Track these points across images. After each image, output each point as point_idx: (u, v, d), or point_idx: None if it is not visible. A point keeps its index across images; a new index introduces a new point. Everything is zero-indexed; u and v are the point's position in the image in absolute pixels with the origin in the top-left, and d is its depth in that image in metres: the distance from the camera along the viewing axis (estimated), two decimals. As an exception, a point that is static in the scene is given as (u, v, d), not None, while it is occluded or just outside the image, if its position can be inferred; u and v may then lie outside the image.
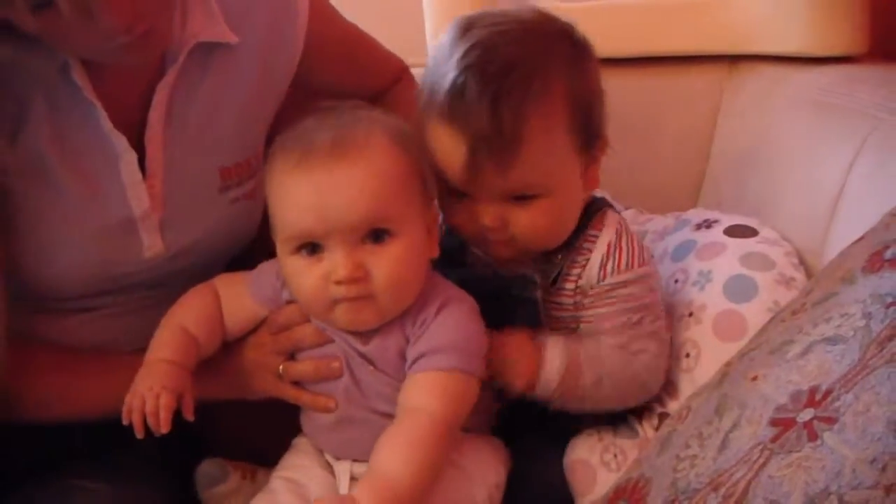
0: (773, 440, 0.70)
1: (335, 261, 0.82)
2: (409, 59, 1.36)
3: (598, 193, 1.00)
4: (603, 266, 0.93)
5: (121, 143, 0.90)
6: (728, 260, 1.03)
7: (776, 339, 0.80)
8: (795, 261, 1.05)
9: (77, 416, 0.95)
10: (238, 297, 0.93)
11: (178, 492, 0.96)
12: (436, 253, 0.88)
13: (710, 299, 1.00)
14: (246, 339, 0.94)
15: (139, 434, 0.83)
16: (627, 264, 0.93)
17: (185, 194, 0.95)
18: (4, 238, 0.88)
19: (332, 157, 0.81)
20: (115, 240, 0.93)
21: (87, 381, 0.96)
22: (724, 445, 0.74)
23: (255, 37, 0.98)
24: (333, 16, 1.10)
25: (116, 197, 0.91)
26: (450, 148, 0.86)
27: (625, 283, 0.93)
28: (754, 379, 0.78)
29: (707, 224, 1.11)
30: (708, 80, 1.35)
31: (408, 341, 0.86)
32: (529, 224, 0.88)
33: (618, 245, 0.93)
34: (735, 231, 1.08)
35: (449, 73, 0.85)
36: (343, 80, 1.10)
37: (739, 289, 1.00)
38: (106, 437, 0.91)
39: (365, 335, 0.87)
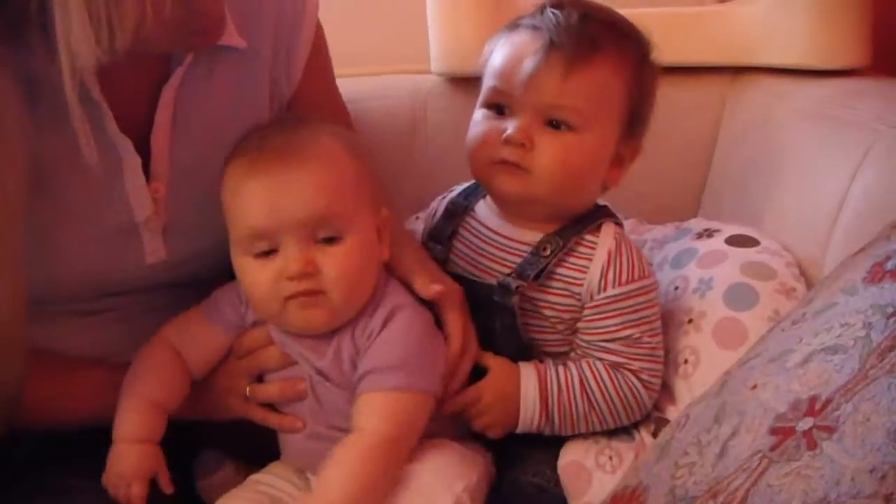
0: (773, 449, 0.70)
1: (287, 257, 0.83)
2: (412, 65, 1.37)
3: (601, 202, 1.00)
4: (604, 275, 0.93)
5: (126, 146, 0.89)
6: (729, 268, 1.03)
7: (776, 348, 0.80)
8: (796, 271, 1.05)
9: (64, 424, 0.94)
10: (197, 337, 0.93)
11: (175, 490, 0.96)
12: (386, 256, 0.90)
13: (711, 306, 1.00)
14: (217, 367, 0.94)
15: None
16: (629, 275, 0.93)
17: (191, 199, 0.94)
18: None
19: (284, 156, 0.84)
20: (115, 244, 0.92)
21: (75, 388, 0.94)
22: (722, 453, 0.74)
23: (264, 43, 0.98)
24: (329, 69, 1.10)
25: (118, 201, 0.90)
26: (523, 48, 0.92)
27: (627, 295, 0.93)
28: (754, 387, 0.78)
29: (708, 233, 1.11)
30: (710, 91, 1.35)
31: (358, 352, 0.86)
32: (553, 154, 0.90)
33: (618, 254, 0.93)
34: (736, 240, 1.08)
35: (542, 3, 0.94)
36: None
37: (740, 297, 1.00)
38: (102, 437, 0.90)
39: (319, 348, 0.87)
